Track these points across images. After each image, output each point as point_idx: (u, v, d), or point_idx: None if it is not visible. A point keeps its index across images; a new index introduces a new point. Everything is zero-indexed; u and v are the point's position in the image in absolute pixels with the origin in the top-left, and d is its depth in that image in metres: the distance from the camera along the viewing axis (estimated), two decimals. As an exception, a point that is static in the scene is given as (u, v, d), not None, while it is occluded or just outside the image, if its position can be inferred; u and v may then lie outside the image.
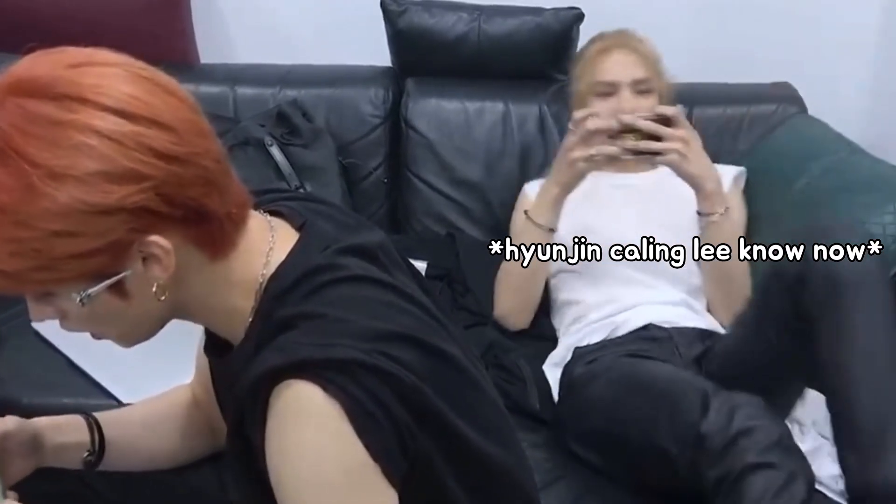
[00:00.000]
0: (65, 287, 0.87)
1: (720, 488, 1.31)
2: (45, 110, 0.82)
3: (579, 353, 1.75)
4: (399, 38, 2.28)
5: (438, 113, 2.24)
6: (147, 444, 1.25)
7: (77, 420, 1.19)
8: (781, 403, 1.57)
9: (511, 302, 1.92)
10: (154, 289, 0.90)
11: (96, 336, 0.97)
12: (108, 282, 0.87)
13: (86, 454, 1.18)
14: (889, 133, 2.32)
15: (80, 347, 1.87)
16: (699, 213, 1.80)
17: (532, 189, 1.98)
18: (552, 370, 1.80)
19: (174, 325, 1.02)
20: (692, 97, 2.22)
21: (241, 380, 0.91)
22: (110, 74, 0.86)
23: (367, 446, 0.85)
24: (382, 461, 0.87)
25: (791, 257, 1.45)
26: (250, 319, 0.96)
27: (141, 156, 0.83)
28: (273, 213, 1.03)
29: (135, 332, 0.97)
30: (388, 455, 0.87)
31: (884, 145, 2.09)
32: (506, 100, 2.23)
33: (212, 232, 0.92)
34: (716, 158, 2.08)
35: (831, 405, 1.41)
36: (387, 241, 1.07)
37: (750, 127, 2.18)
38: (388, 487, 0.88)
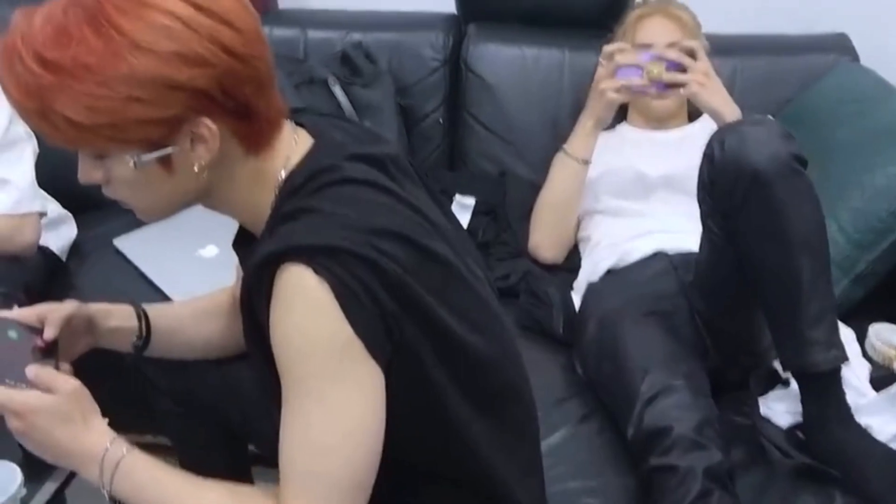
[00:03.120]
0: (123, 149, 0.98)
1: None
2: None
3: (590, 287, 1.85)
4: (464, -16, 2.34)
5: (497, 58, 2.29)
6: (188, 335, 1.39)
7: (127, 308, 1.34)
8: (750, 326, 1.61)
9: (544, 233, 2.02)
10: (196, 168, 1.02)
11: (126, 205, 1.09)
12: (160, 152, 0.99)
13: (134, 339, 1.33)
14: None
15: (155, 265, 2.03)
16: None
17: None
18: (576, 296, 1.90)
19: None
20: (742, 47, 2.24)
21: (248, 262, 1.04)
22: None
23: (352, 323, 0.96)
24: (366, 338, 0.97)
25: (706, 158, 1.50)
26: (269, 213, 1.07)
27: (211, 45, 0.95)
28: (298, 125, 1.14)
29: (163, 206, 1.08)
30: (371, 333, 0.98)
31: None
32: (562, 48, 2.28)
33: (252, 129, 1.03)
34: (764, 109, 2.12)
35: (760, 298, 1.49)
36: (400, 155, 1.16)
37: (801, 78, 2.18)
38: (372, 363, 0.99)
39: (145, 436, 2.09)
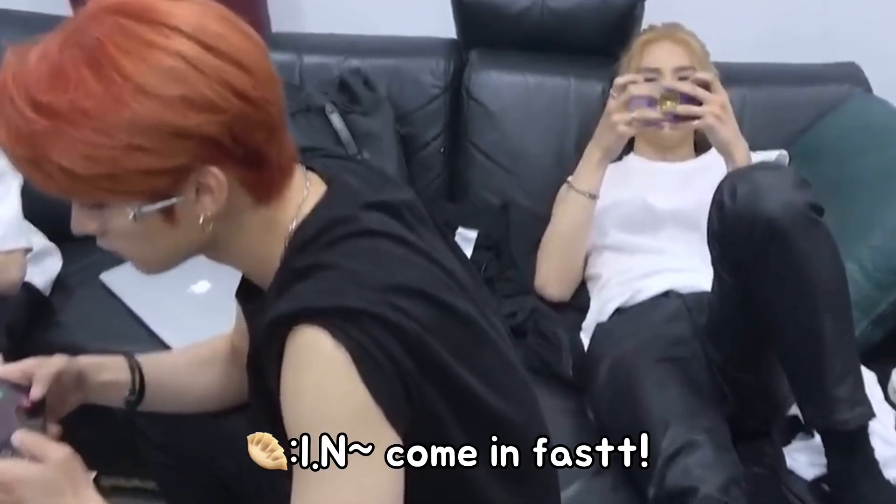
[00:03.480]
0: (122, 200, 0.92)
1: None
2: (140, 31, 0.87)
3: (600, 328, 1.79)
4: (464, 10, 2.28)
5: (500, 85, 2.24)
6: (185, 388, 1.31)
7: (119, 360, 1.25)
8: (762, 367, 1.55)
9: (550, 269, 1.95)
10: (201, 220, 0.94)
11: (123, 257, 1.01)
12: (162, 203, 0.92)
13: (127, 393, 1.24)
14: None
15: (145, 301, 1.95)
16: None
17: None
18: (584, 336, 1.83)
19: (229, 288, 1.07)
20: (751, 77, 2.20)
21: (258, 323, 0.96)
22: (201, 12, 0.91)
23: (371, 389, 0.89)
24: (385, 404, 0.90)
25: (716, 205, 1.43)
26: (278, 265, 1.01)
27: (220, 89, 0.89)
28: (308, 169, 1.07)
29: (163, 259, 1.01)
30: (390, 399, 0.91)
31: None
32: (567, 75, 2.22)
33: (263, 177, 0.97)
34: (774, 139, 2.07)
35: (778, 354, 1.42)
36: (415, 199, 1.10)
37: (812, 109, 2.13)
38: (390, 430, 0.91)
39: (132, 479, 2.03)
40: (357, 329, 0.89)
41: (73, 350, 1.82)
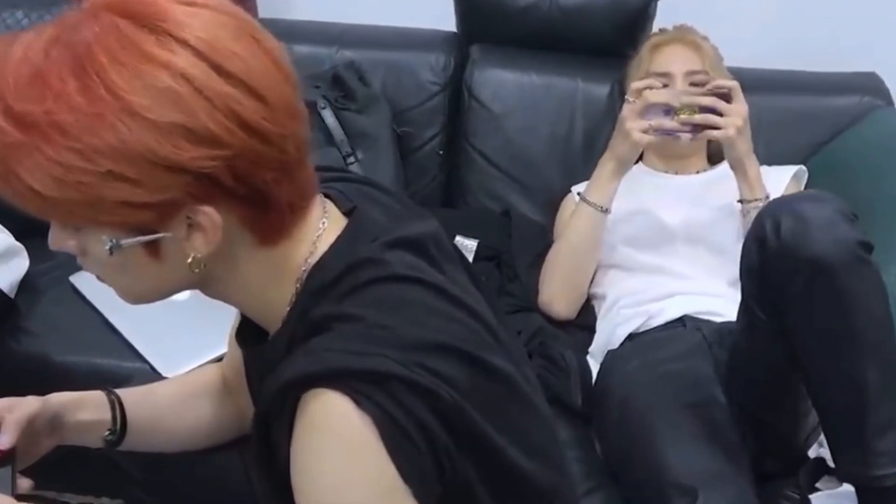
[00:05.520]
0: (99, 230, 0.80)
1: None
2: (140, 39, 0.76)
3: (611, 355, 1.69)
4: (466, 1, 2.17)
5: (503, 84, 2.12)
6: (171, 425, 1.19)
7: (98, 396, 1.13)
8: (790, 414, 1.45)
9: (558, 286, 1.84)
10: (189, 259, 0.83)
11: (104, 281, 0.90)
12: (144, 238, 0.81)
13: (107, 433, 1.13)
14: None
15: (117, 307, 1.78)
16: (741, 202, 1.75)
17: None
18: (592, 361, 1.74)
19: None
20: (768, 84, 2.10)
21: (268, 381, 0.83)
22: (221, 25, 0.79)
23: (400, 468, 0.78)
24: (415, 484, 0.79)
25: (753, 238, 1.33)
26: (287, 309, 0.89)
27: (226, 120, 0.77)
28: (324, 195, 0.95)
29: (147, 293, 0.90)
30: (421, 478, 0.80)
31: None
32: (575, 76, 2.12)
33: (269, 219, 0.84)
34: (789, 152, 1.99)
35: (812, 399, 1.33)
36: (440, 231, 0.99)
37: (832, 120, 2.03)
38: None
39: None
40: (387, 397, 0.77)
41: (41, 361, 1.73)
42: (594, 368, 1.71)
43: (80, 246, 0.84)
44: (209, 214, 0.79)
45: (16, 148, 0.75)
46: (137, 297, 0.90)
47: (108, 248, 0.80)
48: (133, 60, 0.75)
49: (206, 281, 0.88)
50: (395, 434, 0.77)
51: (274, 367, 0.84)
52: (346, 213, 0.94)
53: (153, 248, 0.82)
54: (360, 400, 0.77)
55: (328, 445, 0.78)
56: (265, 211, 0.83)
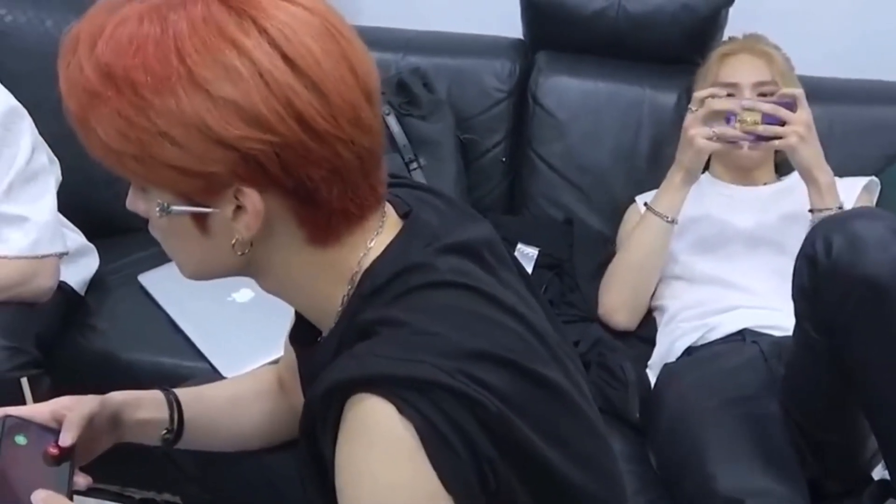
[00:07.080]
0: (153, 190, 0.85)
1: None
2: (222, 18, 0.79)
3: (666, 369, 1.66)
4: (532, 8, 2.15)
5: (569, 91, 2.11)
6: (227, 425, 1.20)
7: (157, 396, 1.15)
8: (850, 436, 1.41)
9: (620, 297, 1.82)
10: (234, 241, 0.84)
11: (166, 251, 0.93)
12: (192, 208, 0.83)
13: (164, 432, 1.14)
14: None
15: (183, 307, 1.86)
16: (812, 211, 1.70)
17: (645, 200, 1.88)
18: (651, 374, 1.71)
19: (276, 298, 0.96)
20: (841, 93, 2.05)
21: (315, 384, 0.84)
22: (305, 21, 0.81)
23: (442, 477, 0.78)
24: (458, 495, 0.78)
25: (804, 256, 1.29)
26: (339, 311, 0.89)
27: (280, 107, 0.79)
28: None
29: (199, 269, 0.92)
30: (465, 488, 0.79)
31: None
32: (643, 84, 2.09)
33: (317, 218, 0.85)
34: (862, 163, 1.94)
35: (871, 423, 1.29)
36: (494, 236, 0.98)
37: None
38: None
39: (163, 494, 1.94)
40: (431, 405, 0.77)
41: (108, 358, 1.77)
42: (653, 381, 1.68)
43: (145, 208, 0.87)
44: (252, 199, 0.81)
45: (94, 96, 0.80)
46: (190, 269, 0.93)
47: (158, 210, 0.83)
48: (208, 34, 0.78)
49: (257, 270, 0.89)
50: (437, 442, 0.77)
51: (323, 368, 0.85)
52: (403, 216, 0.94)
53: (201, 221, 0.84)
54: (403, 406, 0.77)
55: (370, 450, 0.78)
56: (313, 209, 0.84)
